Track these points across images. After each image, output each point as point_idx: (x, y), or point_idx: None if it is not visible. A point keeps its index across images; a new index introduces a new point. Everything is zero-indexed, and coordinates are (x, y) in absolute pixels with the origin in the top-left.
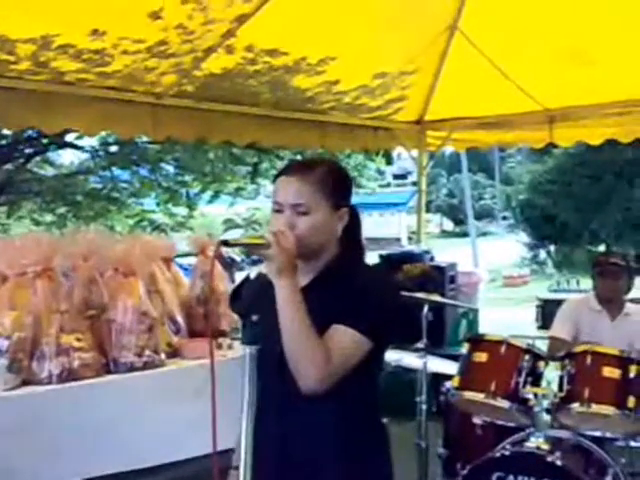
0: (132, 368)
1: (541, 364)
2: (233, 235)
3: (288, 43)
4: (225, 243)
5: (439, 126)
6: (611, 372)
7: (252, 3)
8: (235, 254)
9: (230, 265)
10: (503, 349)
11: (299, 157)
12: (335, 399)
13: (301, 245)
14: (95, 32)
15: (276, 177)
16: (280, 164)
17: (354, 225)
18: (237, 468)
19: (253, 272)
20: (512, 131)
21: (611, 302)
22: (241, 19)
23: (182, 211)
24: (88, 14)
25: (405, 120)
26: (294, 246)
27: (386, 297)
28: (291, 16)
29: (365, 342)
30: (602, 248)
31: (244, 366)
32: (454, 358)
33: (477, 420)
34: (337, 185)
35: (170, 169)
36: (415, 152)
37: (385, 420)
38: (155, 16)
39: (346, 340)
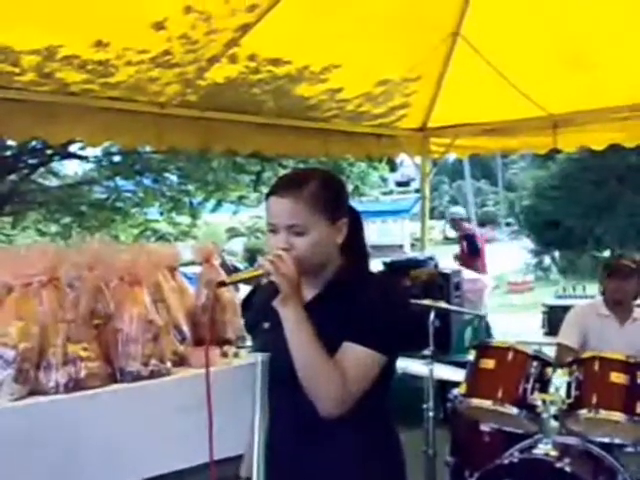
0: (138, 377)
1: (548, 370)
2: (233, 274)
3: (291, 52)
4: (222, 284)
5: (442, 133)
6: (619, 378)
7: (255, 12)
8: (238, 262)
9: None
10: (510, 356)
11: (302, 165)
12: (351, 412)
13: (302, 265)
14: (99, 43)
15: (267, 195)
16: (283, 172)
17: (356, 230)
18: (248, 479)
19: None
20: (516, 137)
21: (620, 305)
22: (244, 28)
23: (185, 220)
24: (92, 25)
25: (408, 127)
26: (294, 271)
27: (396, 310)
28: (294, 25)
29: (380, 359)
30: (607, 254)
31: (254, 374)
32: (460, 365)
33: (485, 427)
34: (331, 198)
35: (174, 178)
36: (418, 159)
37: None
38: (159, 26)
39: (361, 360)
